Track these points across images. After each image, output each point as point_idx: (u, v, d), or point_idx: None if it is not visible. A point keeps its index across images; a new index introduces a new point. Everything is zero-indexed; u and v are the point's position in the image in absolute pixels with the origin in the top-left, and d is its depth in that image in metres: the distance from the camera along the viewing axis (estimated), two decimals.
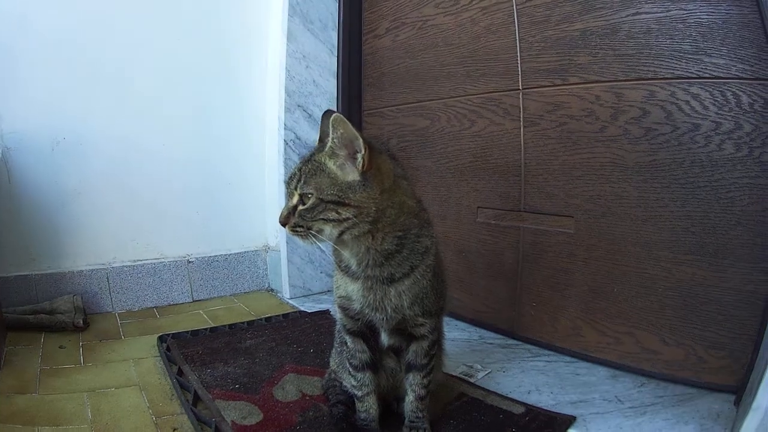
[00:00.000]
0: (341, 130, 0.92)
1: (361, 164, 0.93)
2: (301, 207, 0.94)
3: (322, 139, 1.02)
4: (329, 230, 0.94)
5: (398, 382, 1.13)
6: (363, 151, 0.92)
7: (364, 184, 0.93)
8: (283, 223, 0.96)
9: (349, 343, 1.10)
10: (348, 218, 0.93)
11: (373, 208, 0.94)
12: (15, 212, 1.83)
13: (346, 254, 1.01)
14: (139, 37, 1.99)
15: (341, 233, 0.94)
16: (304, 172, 0.96)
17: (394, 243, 0.98)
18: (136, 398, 1.30)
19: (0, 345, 1.49)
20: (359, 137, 0.92)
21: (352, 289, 1.03)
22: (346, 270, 1.04)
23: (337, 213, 0.93)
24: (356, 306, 1.03)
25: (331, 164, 0.95)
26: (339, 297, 1.08)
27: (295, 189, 0.96)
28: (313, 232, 0.94)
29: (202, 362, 1.46)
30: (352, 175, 0.94)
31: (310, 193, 0.94)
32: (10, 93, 1.78)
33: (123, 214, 2.03)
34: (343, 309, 1.07)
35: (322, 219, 0.93)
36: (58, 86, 1.86)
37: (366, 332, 1.08)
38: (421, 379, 1.07)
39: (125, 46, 1.97)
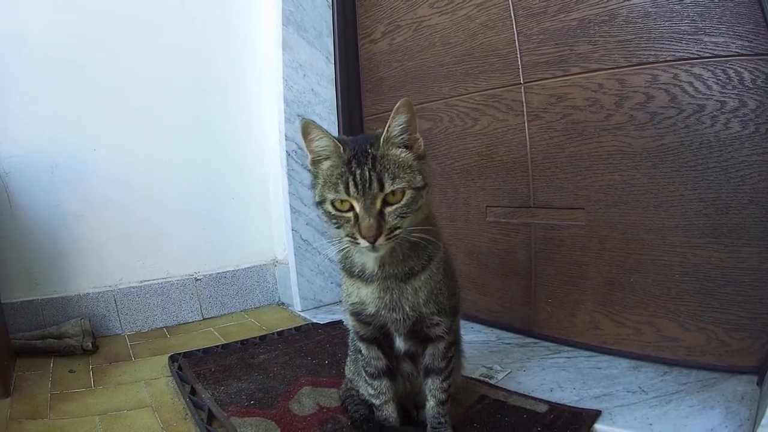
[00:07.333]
0: (407, 116, 0.90)
1: (421, 147, 0.93)
2: (396, 205, 0.87)
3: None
4: (408, 222, 0.89)
5: (416, 387, 1.10)
6: (419, 135, 0.92)
7: (422, 166, 0.93)
8: (377, 235, 0.85)
9: (363, 351, 1.07)
10: (422, 201, 0.91)
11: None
12: (18, 237, 1.82)
13: (361, 257, 0.97)
14: (131, 56, 1.99)
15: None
16: (384, 169, 0.88)
17: (423, 230, 0.92)
18: (150, 419, 1.28)
19: (9, 371, 1.48)
20: (416, 120, 0.91)
21: (366, 293, 0.99)
22: (360, 275, 0.98)
23: (422, 198, 0.91)
24: (371, 309, 0.99)
25: (398, 152, 0.91)
26: (351, 304, 1.03)
27: (381, 190, 0.87)
28: (404, 229, 0.88)
29: (215, 380, 1.44)
30: (412, 158, 0.92)
31: (402, 188, 0.88)
32: (6, 117, 1.78)
33: (126, 235, 2.02)
34: (356, 314, 1.03)
35: (413, 211, 0.89)
36: (54, 108, 1.85)
37: (380, 338, 1.05)
38: (440, 383, 1.03)
39: (119, 67, 1.97)
